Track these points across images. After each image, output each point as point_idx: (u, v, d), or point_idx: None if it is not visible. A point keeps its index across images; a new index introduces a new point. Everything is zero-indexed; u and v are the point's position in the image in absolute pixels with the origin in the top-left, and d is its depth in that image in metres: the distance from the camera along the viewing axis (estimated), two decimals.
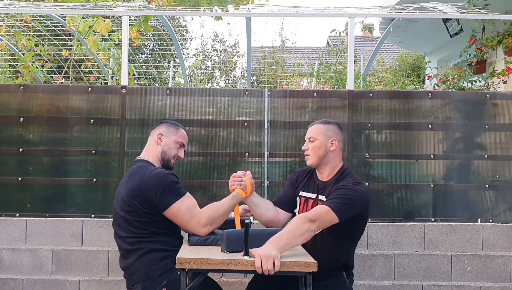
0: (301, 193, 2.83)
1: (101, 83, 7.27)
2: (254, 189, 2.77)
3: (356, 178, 2.70)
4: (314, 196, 2.75)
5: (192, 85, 12.31)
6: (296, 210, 2.83)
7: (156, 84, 10.72)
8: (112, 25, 5.73)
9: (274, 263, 2.17)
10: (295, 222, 2.43)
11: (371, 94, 3.81)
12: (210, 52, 19.68)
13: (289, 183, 2.92)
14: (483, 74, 5.71)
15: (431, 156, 3.72)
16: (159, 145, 2.69)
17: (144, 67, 11.65)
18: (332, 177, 2.73)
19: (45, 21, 6.93)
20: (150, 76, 11.01)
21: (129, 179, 2.58)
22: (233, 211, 2.71)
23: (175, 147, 2.72)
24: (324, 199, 2.64)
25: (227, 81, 17.33)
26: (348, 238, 2.67)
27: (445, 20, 6.49)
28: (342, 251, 2.67)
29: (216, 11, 4.85)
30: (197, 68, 14.61)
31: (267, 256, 2.17)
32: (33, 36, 7.00)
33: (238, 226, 2.66)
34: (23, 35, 6.51)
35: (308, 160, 2.76)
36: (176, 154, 2.73)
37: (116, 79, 6.53)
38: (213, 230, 2.57)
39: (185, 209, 2.50)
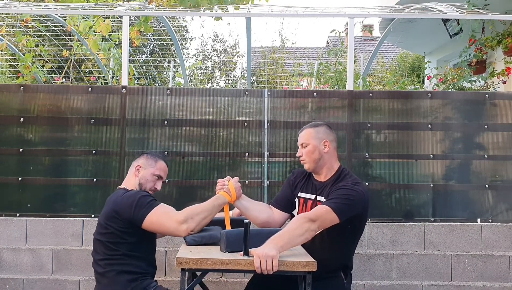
0: (299, 194, 2.83)
1: (101, 83, 7.28)
2: (240, 193, 2.74)
3: (355, 178, 2.70)
4: (312, 197, 2.75)
5: (192, 85, 12.32)
6: (295, 212, 2.83)
7: (156, 84, 10.73)
8: (113, 25, 5.74)
9: (272, 263, 2.17)
10: (295, 221, 2.43)
11: (370, 94, 3.81)
12: (210, 52, 19.69)
13: (287, 184, 2.93)
14: (483, 74, 5.72)
15: (431, 156, 3.72)
16: (137, 177, 2.73)
17: (144, 67, 11.66)
18: (330, 177, 2.73)
19: (45, 22, 6.94)
20: (150, 76, 11.02)
21: (106, 205, 2.66)
22: (224, 213, 2.72)
23: (152, 179, 2.74)
24: (323, 200, 2.65)
25: (227, 81, 17.34)
26: (347, 239, 2.68)
27: (445, 20, 6.50)
28: (341, 251, 2.67)
29: (216, 11, 4.86)
30: (197, 68, 14.62)
31: (265, 256, 2.18)
32: (34, 36, 7.01)
33: (228, 227, 2.67)
34: (24, 35, 6.52)
35: (305, 165, 2.77)
36: (153, 186, 2.75)
37: (117, 79, 6.54)
38: (195, 228, 2.51)
39: (160, 215, 2.51)
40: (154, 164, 2.77)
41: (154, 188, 2.75)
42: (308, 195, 2.78)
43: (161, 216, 2.51)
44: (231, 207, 2.78)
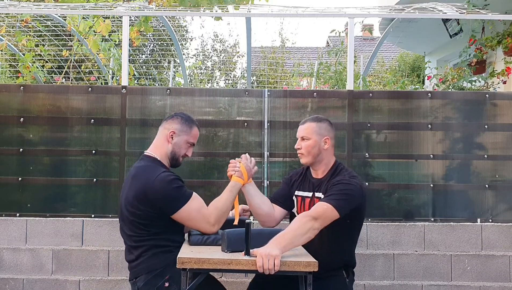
0: (296, 193, 2.82)
1: (101, 83, 7.28)
2: (251, 173, 2.70)
3: (351, 171, 2.71)
4: (310, 194, 2.74)
5: (192, 85, 12.32)
6: (294, 210, 2.83)
7: (156, 84, 10.73)
8: (112, 25, 5.74)
9: (274, 262, 2.17)
10: (297, 221, 2.42)
11: (370, 94, 3.81)
12: (210, 52, 19.68)
13: (284, 182, 2.93)
14: (483, 74, 5.72)
15: (431, 156, 3.72)
16: (170, 144, 2.62)
17: (144, 67, 11.66)
18: (326, 173, 2.72)
19: (45, 22, 6.94)
20: (150, 76, 11.02)
21: (133, 179, 2.54)
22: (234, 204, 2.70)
23: (185, 147, 2.66)
24: (322, 196, 2.65)
25: (227, 81, 17.34)
26: (347, 235, 2.67)
27: (445, 20, 6.50)
28: (341, 248, 2.67)
29: (216, 11, 4.86)
30: (197, 68, 14.62)
31: (268, 256, 2.18)
32: (34, 36, 7.01)
33: (237, 218, 2.67)
34: (24, 35, 6.51)
35: (302, 159, 2.75)
36: (185, 153, 2.68)
37: (117, 79, 6.53)
38: (221, 225, 2.58)
39: (193, 212, 2.50)
40: (190, 130, 2.66)
41: (185, 155, 2.68)
42: (305, 193, 2.77)
43: (192, 213, 2.49)
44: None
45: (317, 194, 2.70)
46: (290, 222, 2.87)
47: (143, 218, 2.50)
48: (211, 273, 2.43)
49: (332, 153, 2.76)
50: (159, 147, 2.65)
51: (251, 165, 2.70)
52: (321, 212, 2.44)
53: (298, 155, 2.77)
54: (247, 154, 2.73)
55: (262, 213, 2.77)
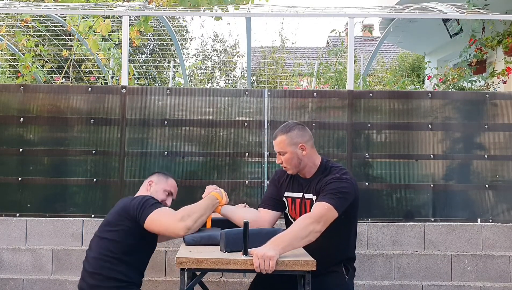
0: (286, 194, 2.80)
1: (101, 83, 7.28)
2: (227, 201, 2.84)
3: (341, 167, 2.70)
4: (300, 195, 2.73)
5: (192, 85, 12.32)
6: (287, 211, 2.82)
7: (156, 84, 10.73)
8: (112, 25, 5.74)
9: (270, 263, 2.17)
10: (299, 223, 2.41)
11: (371, 94, 3.81)
12: (210, 52, 19.68)
13: (272, 184, 2.91)
14: (483, 74, 5.71)
15: (431, 156, 3.72)
16: (148, 191, 2.85)
17: (144, 67, 11.67)
18: (314, 173, 2.71)
19: (45, 21, 6.94)
20: (150, 76, 11.03)
21: (116, 206, 2.76)
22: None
23: (163, 194, 2.85)
24: (311, 197, 2.64)
25: (227, 81, 17.34)
26: (343, 229, 2.64)
27: (445, 20, 6.50)
28: (340, 243, 2.66)
29: (216, 11, 4.85)
30: (197, 68, 14.63)
31: (264, 256, 2.18)
32: (33, 36, 7.01)
33: (208, 225, 2.75)
34: (23, 35, 6.52)
35: (287, 171, 2.75)
36: (164, 201, 2.84)
37: (116, 79, 6.53)
38: (193, 226, 2.56)
39: (161, 214, 2.59)
40: (165, 180, 2.90)
41: (164, 203, 2.84)
42: (295, 194, 2.76)
43: (161, 216, 2.58)
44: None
45: (307, 195, 2.69)
46: (285, 223, 2.87)
47: (117, 236, 2.62)
48: (209, 273, 2.43)
49: (314, 153, 2.74)
50: (141, 194, 2.86)
51: (225, 194, 2.83)
52: (323, 213, 2.42)
53: (283, 169, 2.76)
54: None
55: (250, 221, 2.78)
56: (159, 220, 2.56)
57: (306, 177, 2.74)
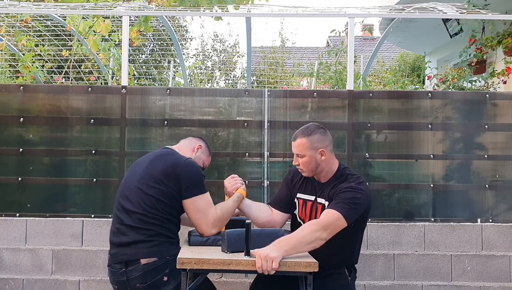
0: (298, 195, 2.78)
1: (101, 83, 7.28)
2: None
3: (358, 177, 2.65)
4: (312, 198, 2.71)
5: (192, 85, 12.32)
6: (296, 212, 2.81)
7: (156, 84, 10.74)
8: (112, 25, 5.73)
9: (272, 264, 2.17)
10: (306, 228, 2.39)
11: (371, 94, 3.81)
12: (210, 52, 19.68)
13: (284, 183, 2.87)
14: (483, 74, 5.72)
15: (431, 156, 3.72)
16: (194, 153, 2.80)
17: (144, 67, 11.67)
18: (330, 178, 2.67)
19: (45, 21, 6.93)
20: (150, 76, 11.03)
21: (161, 157, 2.62)
22: None
23: (201, 165, 2.82)
24: (324, 202, 2.61)
25: (227, 81, 17.34)
26: (351, 237, 2.63)
27: (445, 20, 6.50)
28: (345, 249, 2.64)
29: (216, 11, 4.85)
30: (197, 68, 14.62)
31: (266, 257, 2.18)
32: (33, 36, 7.00)
33: None
34: (23, 35, 6.51)
35: (303, 173, 2.71)
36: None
37: (116, 79, 6.53)
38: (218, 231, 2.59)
39: (203, 205, 2.53)
40: (208, 155, 2.92)
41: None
42: (307, 197, 2.73)
43: (201, 208, 2.53)
44: None
45: (319, 200, 2.66)
46: (291, 222, 2.86)
47: (163, 196, 2.48)
48: (210, 273, 2.42)
49: (333, 158, 2.69)
50: (182, 151, 2.75)
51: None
52: (331, 222, 2.39)
53: (299, 170, 2.72)
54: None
55: (262, 221, 2.78)
56: (196, 211, 2.51)
57: (320, 181, 2.69)
